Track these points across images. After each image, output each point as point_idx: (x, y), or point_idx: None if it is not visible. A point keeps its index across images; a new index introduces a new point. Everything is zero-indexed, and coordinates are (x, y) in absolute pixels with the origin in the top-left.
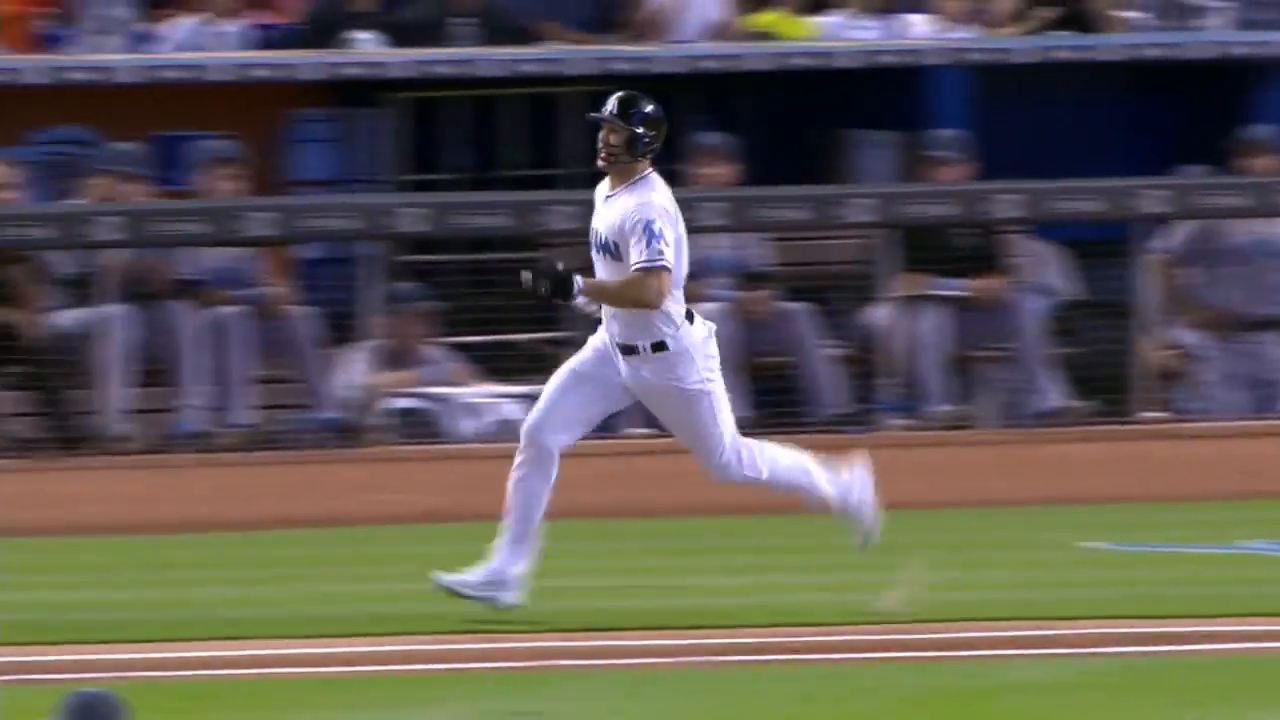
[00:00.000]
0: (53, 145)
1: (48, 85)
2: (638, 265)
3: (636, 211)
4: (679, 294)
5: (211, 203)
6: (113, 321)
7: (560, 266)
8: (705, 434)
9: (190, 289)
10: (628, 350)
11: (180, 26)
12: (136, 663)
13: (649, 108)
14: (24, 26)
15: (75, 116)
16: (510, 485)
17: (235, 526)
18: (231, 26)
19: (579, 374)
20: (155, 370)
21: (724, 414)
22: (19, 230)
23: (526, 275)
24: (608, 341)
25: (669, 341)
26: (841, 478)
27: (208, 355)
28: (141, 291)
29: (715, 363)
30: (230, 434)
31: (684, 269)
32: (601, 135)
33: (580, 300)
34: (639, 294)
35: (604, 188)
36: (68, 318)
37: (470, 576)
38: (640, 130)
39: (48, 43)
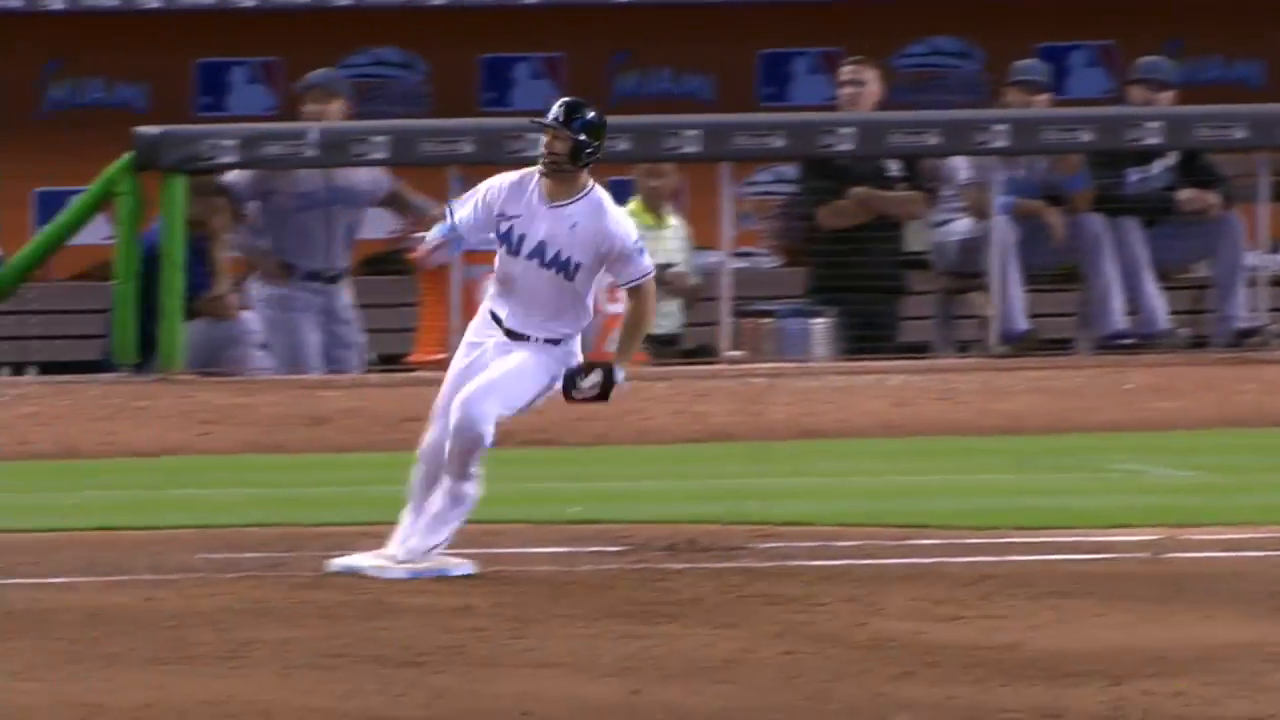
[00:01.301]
0: (925, 56)
1: None
2: (639, 278)
3: (614, 238)
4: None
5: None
6: (997, 229)
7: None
8: (517, 394)
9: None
10: (518, 337)
11: None
12: None
13: (591, 114)
14: None
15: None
16: None
17: None
18: None
19: None
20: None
21: (531, 399)
22: (911, 137)
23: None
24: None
25: (567, 340)
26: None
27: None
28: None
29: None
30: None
31: None
32: (545, 142)
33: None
34: (651, 309)
35: (537, 191)
36: (959, 227)
37: None
38: (583, 138)
39: None
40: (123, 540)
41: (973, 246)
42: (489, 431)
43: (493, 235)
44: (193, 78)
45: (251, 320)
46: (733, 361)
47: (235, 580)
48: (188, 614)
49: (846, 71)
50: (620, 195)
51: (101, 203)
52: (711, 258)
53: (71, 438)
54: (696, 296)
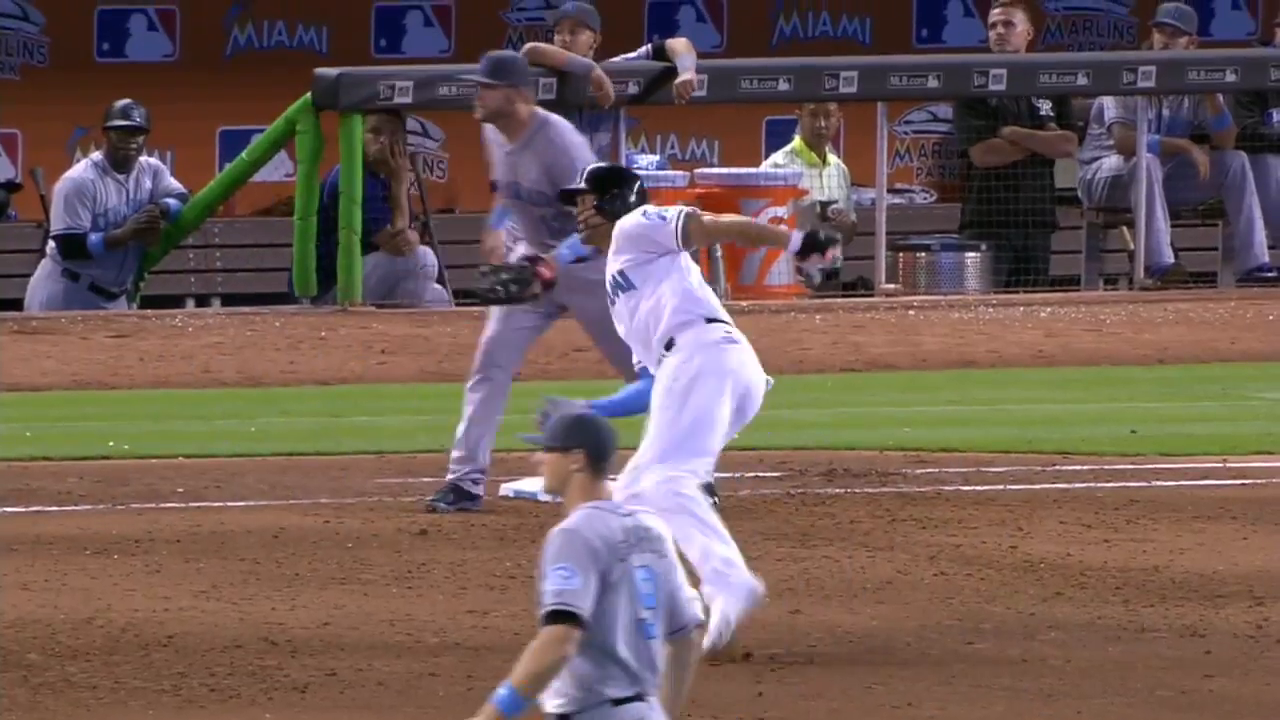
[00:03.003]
0: (1076, 0)
1: None
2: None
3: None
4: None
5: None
6: (1144, 167)
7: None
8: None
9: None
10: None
11: None
12: None
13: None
14: None
15: None
16: None
17: None
18: None
19: None
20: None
21: None
22: (1061, 78)
23: None
24: None
25: None
26: None
27: None
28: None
29: None
30: None
31: None
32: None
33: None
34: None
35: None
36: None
37: None
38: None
39: None
40: (303, 465)
41: (1120, 183)
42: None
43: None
44: (370, 21)
45: (427, 254)
46: (888, 294)
47: (411, 504)
48: (365, 536)
49: (996, 12)
50: (785, 134)
51: (283, 141)
52: (868, 194)
53: (254, 367)
54: (854, 231)
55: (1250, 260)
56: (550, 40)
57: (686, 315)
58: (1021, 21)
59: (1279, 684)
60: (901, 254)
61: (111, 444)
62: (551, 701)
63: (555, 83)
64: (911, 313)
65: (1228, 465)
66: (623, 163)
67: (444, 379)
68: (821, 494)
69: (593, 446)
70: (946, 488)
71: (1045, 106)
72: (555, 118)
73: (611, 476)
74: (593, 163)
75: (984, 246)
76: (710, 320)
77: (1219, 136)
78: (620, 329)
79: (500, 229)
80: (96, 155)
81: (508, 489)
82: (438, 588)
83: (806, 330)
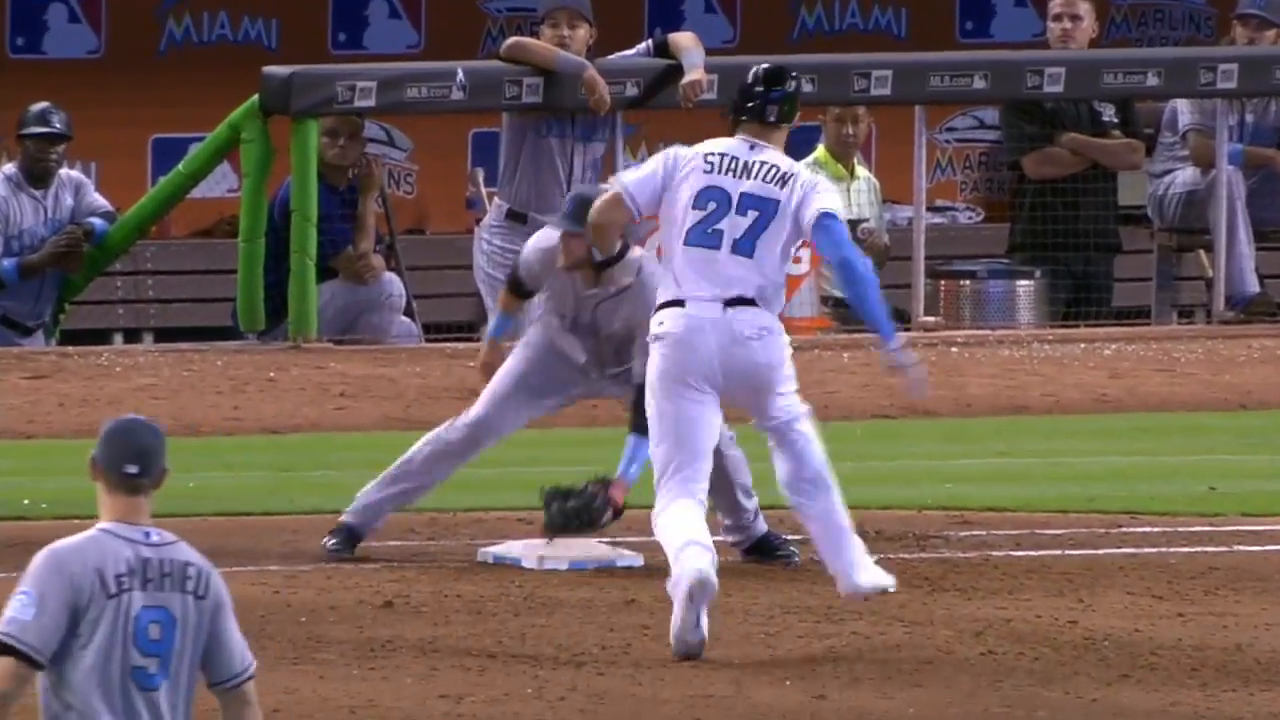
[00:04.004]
0: None
1: None
2: None
3: None
4: None
5: None
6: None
7: None
8: None
9: None
10: None
11: None
12: None
13: None
14: None
15: None
16: None
17: None
18: None
19: None
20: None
21: None
22: (1128, 77)
23: None
24: None
25: None
26: None
27: None
28: None
29: None
30: None
31: None
32: None
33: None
34: None
35: None
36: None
37: None
38: None
39: None
40: (250, 527)
41: (1196, 200)
42: None
43: None
44: (327, 12)
45: (393, 282)
46: (927, 328)
47: (374, 571)
48: (321, 609)
49: (1059, 4)
50: (807, 142)
51: (225, 151)
52: (904, 212)
53: (192, 413)
54: (887, 256)
55: None
56: (535, 34)
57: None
58: (1088, 15)
59: None
60: (943, 282)
61: (27, 502)
62: None
63: (541, 83)
64: (954, 350)
65: None
66: (619, 175)
67: (411, 426)
68: None
69: (105, 457)
70: (995, 553)
71: (1109, 111)
72: (650, 265)
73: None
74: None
75: (1038, 273)
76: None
77: None
78: None
79: (501, 340)
80: (9, 168)
81: (487, 553)
82: (404, 669)
83: (833, 370)
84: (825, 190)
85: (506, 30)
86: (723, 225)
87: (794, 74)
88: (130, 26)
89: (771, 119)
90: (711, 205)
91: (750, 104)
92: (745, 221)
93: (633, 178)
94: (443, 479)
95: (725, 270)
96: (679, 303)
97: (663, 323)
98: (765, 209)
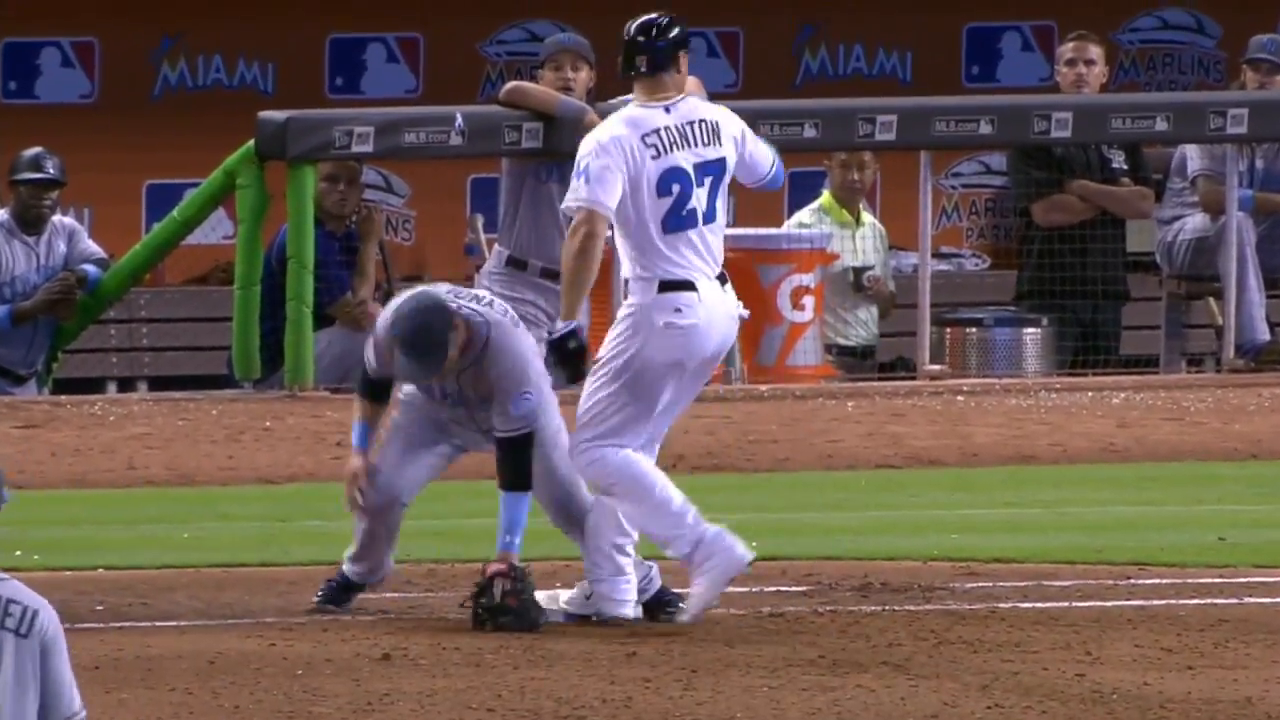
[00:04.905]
0: (1153, 31)
1: None
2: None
3: None
4: None
5: None
6: (1234, 227)
7: None
8: None
9: None
10: None
11: None
12: None
13: None
14: None
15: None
16: None
17: None
18: None
19: None
20: None
21: None
22: (1136, 122)
23: None
24: None
25: None
26: None
27: None
28: None
29: None
30: None
31: None
32: None
33: None
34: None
35: None
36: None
37: None
38: None
39: None
40: (245, 579)
41: (1206, 246)
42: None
43: None
44: (324, 56)
45: None
46: (933, 376)
47: (371, 624)
48: (317, 662)
49: (1071, 48)
50: (812, 188)
51: (220, 197)
52: (909, 259)
53: (186, 463)
54: (893, 303)
55: None
56: (535, 78)
57: None
58: (1100, 59)
59: None
60: (948, 329)
61: (19, 553)
62: None
63: (540, 128)
64: (960, 399)
65: None
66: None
67: None
68: (855, 611)
69: None
70: (1002, 604)
71: (1118, 158)
72: (498, 329)
73: None
74: None
75: (1045, 321)
76: None
77: None
78: None
79: (367, 451)
80: (1, 214)
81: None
82: None
83: (836, 419)
84: (750, 134)
85: (505, 75)
86: (693, 203)
87: (666, 18)
88: (124, 71)
89: (646, 69)
90: (676, 188)
91: (635, 58)
92: (704, 191)
93: (596, 190)
94: (387, 559)
95: (708, 243)
96: (688, 285)
97: (680, 309)
98: (716, 171)
